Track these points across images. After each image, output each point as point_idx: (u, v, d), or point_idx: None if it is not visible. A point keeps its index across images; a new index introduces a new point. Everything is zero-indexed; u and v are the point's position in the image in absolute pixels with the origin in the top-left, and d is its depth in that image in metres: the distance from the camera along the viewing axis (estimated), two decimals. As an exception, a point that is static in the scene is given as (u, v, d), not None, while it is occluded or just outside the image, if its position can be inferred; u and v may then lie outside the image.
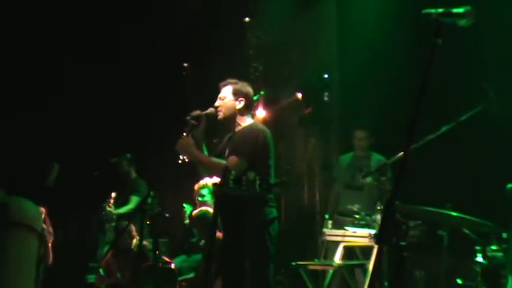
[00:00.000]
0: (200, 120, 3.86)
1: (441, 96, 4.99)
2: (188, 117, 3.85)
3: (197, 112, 3.88)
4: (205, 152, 3.99)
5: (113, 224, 6.56)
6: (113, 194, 6.53)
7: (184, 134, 3.84)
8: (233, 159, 3.79)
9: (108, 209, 6.51)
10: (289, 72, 7.40)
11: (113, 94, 7.37)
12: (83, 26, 7.21)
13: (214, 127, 4.09)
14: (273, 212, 3.90)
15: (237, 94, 3.95)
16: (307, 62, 7.36)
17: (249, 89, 4.04)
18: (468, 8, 2.03)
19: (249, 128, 3.94)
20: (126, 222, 6.27)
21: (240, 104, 3.95)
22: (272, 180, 3.88)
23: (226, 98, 3.96)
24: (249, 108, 4.03)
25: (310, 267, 5.16)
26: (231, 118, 3.97)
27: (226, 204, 3.75)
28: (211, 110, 3.94)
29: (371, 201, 5.31)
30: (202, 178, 5.63)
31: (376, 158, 5.70)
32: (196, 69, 7.13)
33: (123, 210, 6.55)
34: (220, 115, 3.94)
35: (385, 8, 6.52)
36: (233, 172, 3.44)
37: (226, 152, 3.95)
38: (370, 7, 6.74)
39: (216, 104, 3.97)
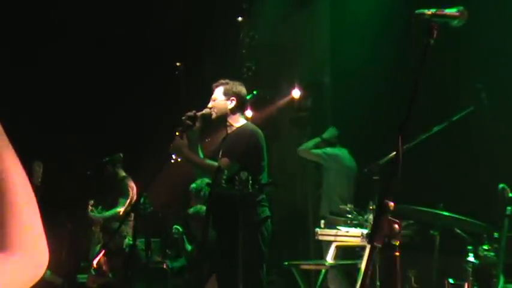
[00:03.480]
0: (195, 120, 3.87)
1: (433, 97, 5.00)
2: (183, 118, 3.86)
3: (192, 112, 3.88)
4: (200, 153, 3.99)
5: (99, 226, 6.55)
6: (91, 202, 6.53)
7: (177, 134, 3.84)
8: (225, 161, 3.81)
9: (92, 214, 6.50)
10: (282, 72, 7.40)
11: (106, 93, 7.34)
12: (77, 24, 7.18)
13: (207, 127, 4.11)
14: (266, 212, 3.93)
15: (228, 94, 3.99)
16: (300, 62, 7.36)
17: (241, 88, 4.06)
18: (460, 8, 2.04)
19: (241, 130, 3.96)
20: (118, 223, 6.26)
21: (231, 104, 3.98)
22: (265, 181, 3.89)
23: (218, 98, 3.99)
24: (241, 108, 4.06)
25: (303, 266, 5.16)
26: (223, 118, 3.99)
27: (219, 204, 3.75)
28: (206, 110, 3.97)
29: (329, 190, 5.99)
30: (196, 178, 5.62)
31: None
32: (189, 68, 7.12)
33: (110, 213, 6.52)
34: (213, 115, 3.98)
35: (378, 8, 6.53)
36: (225, 172, 3.46)
37: (220, 153, 3.95)
38: (363, 7, 6.74)
39: (209, 105, 4.00)
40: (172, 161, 3.87)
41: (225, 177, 3.47)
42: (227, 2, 7.14)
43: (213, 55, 7.02)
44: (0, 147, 0.84)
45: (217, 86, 4.05)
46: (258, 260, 3.81)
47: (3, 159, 0.83)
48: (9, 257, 0.80)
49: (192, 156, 3.89)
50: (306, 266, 5.21)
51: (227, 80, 4.07)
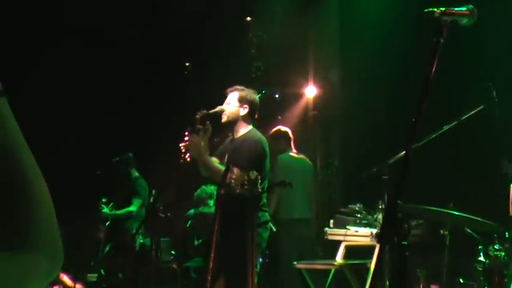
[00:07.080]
0: (205, 120, 3.87)
1: (443, 96, 4.98)
2: (197, 116, 3.86)
3: (203, 112, 3.89)
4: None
5: (107, 224, 6.56)
6: (103, 200, 6.53)
7: (187, 134, 3.83)
8: (238, 171, 3.76)
9: (103, 211, 6.49)
10: (291, 71, 7.40)
11: (115, 93, 7.37)
12: (85, 25, 7.21)
13: (216, 127, 4.09)
14: (265, 216, 3.93)
15: (242, 101, 4.02)
16: (309, 61, 7.36)
17: (255, 97, 4.10)
18: (470, 6, 2.03)
19: (247, 137, 3.98)
20: (129, 223, 6.29)
21: (243, 111, 4.02)
22: (266, 186, 3.90)
23: (231, 103, 4.03)
24: (252, 116, 4.09)
25: (312, 266, 5.15)
26: (233, 123, 4.03)
27: (228, 204, 3.72)
28: (219, 108, 4.00)
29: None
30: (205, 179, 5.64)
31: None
32: (197, 68, 7.13)
33: (121, 212, 6.51)
34: (224, 118, 4.01)
35: (387, 7, 6.52)
36: (235, 171, 3.43)
37: (226, 157, 3.98)
38: (372, 6, 6.74)
39: (223, 107, 4.04)
40: (182, 160, 3.84)
41: (234, 177, 3.44)
42: (235, 2, 7.15)
43: (221, 55, 7.02)
44: (18, 146, 0.84)
45: (232, 91, 4.08)
46: (240, 264, 3.68)
47: (21, 158, 0.84)
48: (27, 255, 0.80)
49: (208, 160, 3.88)
50: (314, 266, 5.20)
51: (242, 87, 4.11)
